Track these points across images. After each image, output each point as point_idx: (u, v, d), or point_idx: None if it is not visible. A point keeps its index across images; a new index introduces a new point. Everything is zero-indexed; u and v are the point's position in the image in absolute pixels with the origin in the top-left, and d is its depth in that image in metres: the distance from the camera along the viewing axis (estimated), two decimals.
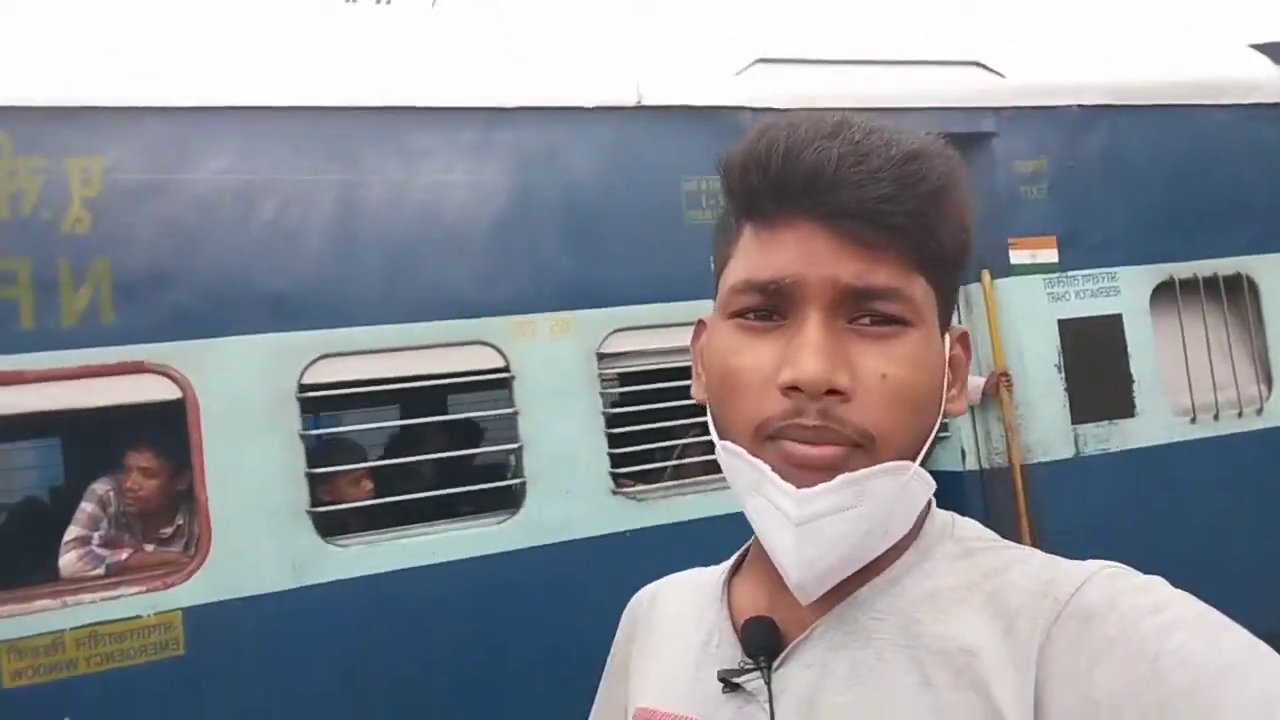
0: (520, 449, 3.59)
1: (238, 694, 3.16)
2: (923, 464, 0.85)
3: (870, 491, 0.80)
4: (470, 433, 4.57)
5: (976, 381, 4.29)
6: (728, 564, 1.05)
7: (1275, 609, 3.56)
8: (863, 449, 0.80)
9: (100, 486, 3.58)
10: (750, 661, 0.89)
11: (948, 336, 0.89)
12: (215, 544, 3.18)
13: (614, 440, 3.71)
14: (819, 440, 0.79)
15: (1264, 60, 5.14)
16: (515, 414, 3.60)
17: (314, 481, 3.38)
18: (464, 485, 3.71)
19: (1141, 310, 4.51)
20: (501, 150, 3.73)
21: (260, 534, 3.24)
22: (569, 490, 3.60)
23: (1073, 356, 4.35)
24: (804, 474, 0.80)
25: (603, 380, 3.75)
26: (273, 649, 3.21)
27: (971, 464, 4.41)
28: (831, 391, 0.78)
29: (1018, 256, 4.38)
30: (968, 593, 0.83)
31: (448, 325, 3.56)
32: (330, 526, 3.39)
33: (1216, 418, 4.57)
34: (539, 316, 3.67)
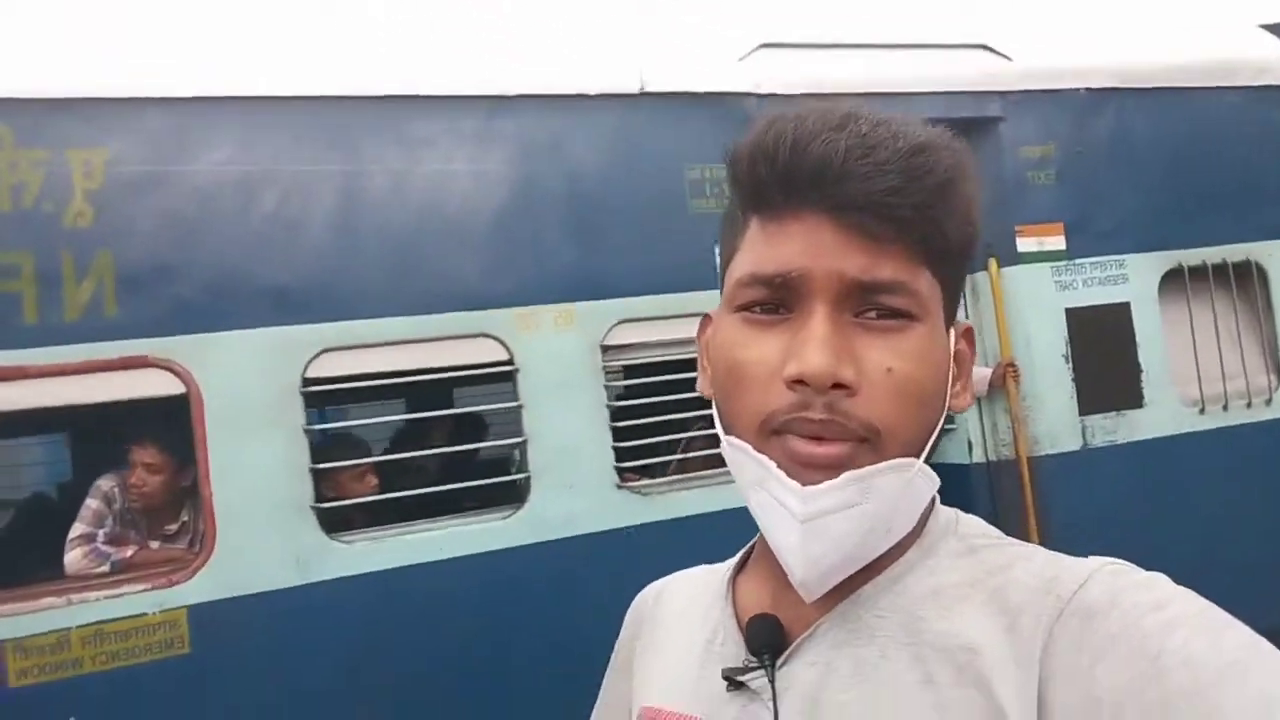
0: (524, 443, 3.57)
1: (243, 692, 3.16)
2: (927, 459, 0.85)
3: (875, 489, 0.80)
4: (474, 427, 4.55)
5: (983, 372, 4.26)
6: (733, 561, 1.05)
7: None
8: (868, 443, 0.80)
9: (105, 483, 3.57)
10: (754, 659, 0.89)
11: (952, 331, 0.89)
12: (220, 540, 3.18)
13: (618, 434, 3.69)
14: (825, 434, 0.79)
15: (1274, 40, 5.08)
16: (519, 408, 3.58)
17: (318, 477, 3.37)
18: (468, 480, 3.70)
19: (1150, 298, 4.46)
20: (503, 139, 3.70)
21: (265, 530, 3.23)
22: (573, 485, 3.58)
23: (1080, 346, 4.31)
24: (809, 471, 0.80)
25: (607, 373, 3.73)
26: (278, 646, 3.21)
27: (978, 456, 4.39)
28: (837, 385, 0.79)
29: (1025, 244, 4.34)
30: (971, 590, 0.83)
31: (451, 318, 3.54)
32: (335, 522, 3.39)
33: (1225, 408, 4.53)
34: (543, 308, 3.64)
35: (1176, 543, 4.11)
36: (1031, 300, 4.33)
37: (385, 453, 4.14)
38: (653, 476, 3.81)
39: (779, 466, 0.81)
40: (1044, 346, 4.30)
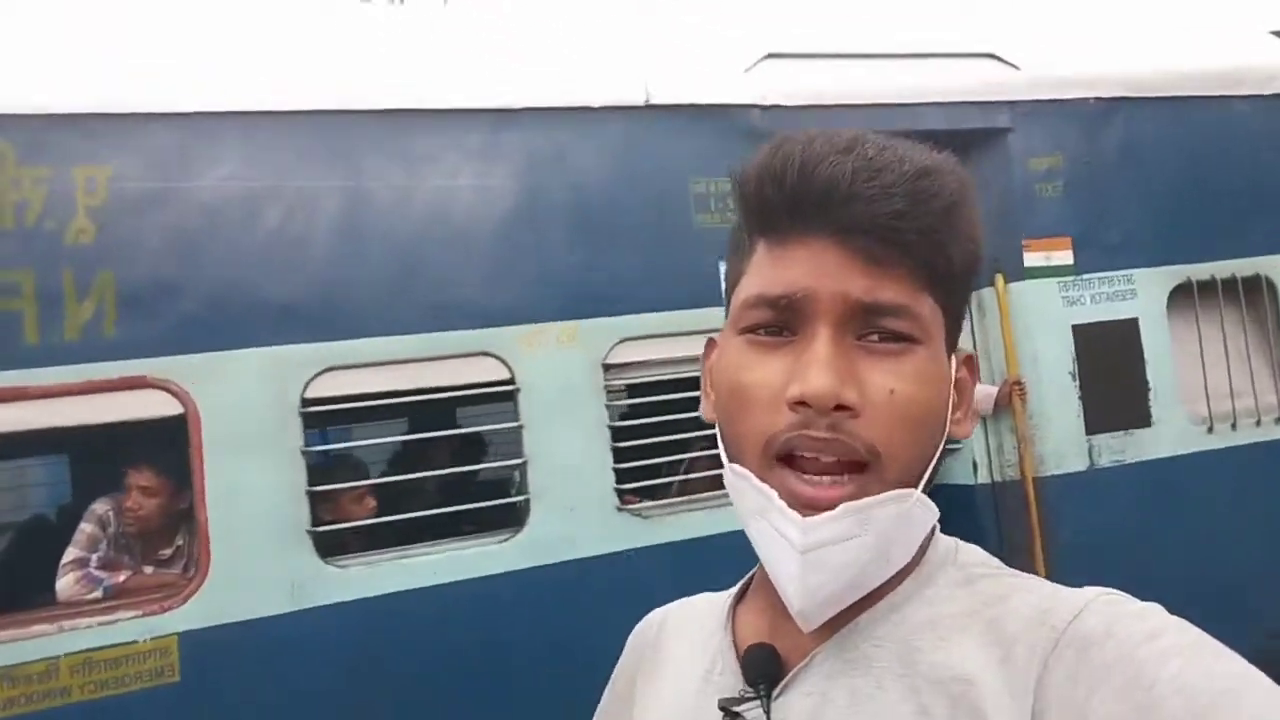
0: (525, 464, 3.53)
1: None
2: (928, 485, 0.86)
3: (874, 520, 0.80)
4: (474, 448, 4.50)
5: (989, 391, 4.22)
6: (734, 590, 1.05)
7: None
8: (869, 465, 0.81)
9: (100, 506, 3.54)
10: (750, 690, 0.90)
11: (954, 359, 0.90)
12: (214, 566, 3.14)
13: (619, 455, 3.64)
14: (828, 452, 0.80)
15: None
16: (520, 428, 3.54)
17: (315, 500, 3.32)
18: (467, 502, 3.65)
19: (1158, 314, 4.41)
20: (506, 153, 3.65)
21: (259, 555, 3.19)
22: (573, 507, 3.54)
23: (1087, 364, 4.26)
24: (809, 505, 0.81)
25: (609, 392, 3.68)
26: (270, 675, 3.16)
27: (984, 477, 4.35)
28: (840, 407, 0.80)
29: (1032, 259, 4.29)
30: (968, 620, 0.83)
31: (452, 336, 3.50)
32: (330, 546, 3.35)
33: (1234, 427, 4.47)
34: (545, 326, 3.60)
35: (1185, 565, 4.08)
36: (1038, 316, 4.27)
37: (383, 474, 4.11)
38: (654, 498, 3.76)
39: (780, 496, 0.81)
40: (1050, 364, 4.25)
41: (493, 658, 3.38)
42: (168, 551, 3.55)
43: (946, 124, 4.24)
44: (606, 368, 3.66)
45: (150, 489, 3.48)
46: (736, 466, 0.86)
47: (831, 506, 0.80)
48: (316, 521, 3.31)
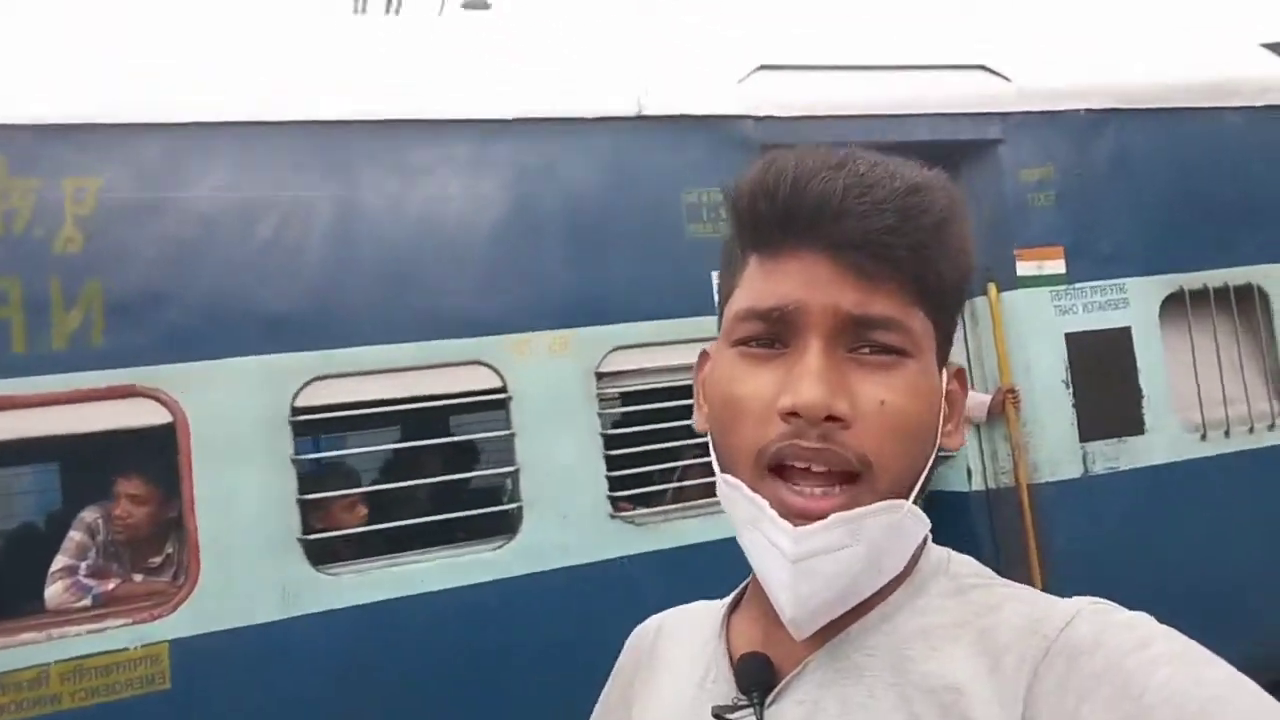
0: (517, 472, 3.52)
1: None
2: (919, 495, 0.86)
3: (865, 530, 0.81)
4: (465, 456, 4.48)
5: (982, 399, 4.22)
6: (729, 598, 1.06)
7: None
8: (860, 476, 0.81)
9: (89, 514, 3.52)
10: (744, 698, 0.90)
11: (945, 372, 0.91)
12: (204, 573, 3.12)
13: (612, 462, 3.63)
14: (819, 461, 0.81)
15: (1276, 60, 5.05)
16: (512, 435, 3.53)
17: (305, 508, 3.31)
18: (460, 510, 3.63)
19: (1151, 323, 4.42)
20: (499, 163, 3.65)
21: (250, 563, 3.18)
22: (566, 514, 3.53)
23: (1080, 371, 4.26)
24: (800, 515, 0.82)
25: (601, 400, 3.68)
26: (261, 683, 3.14)
27: (978, 484, 4.35)
28: (831, 418, 0.80)
29: (1024, 268, 4.29)
30: (959, 630, 0.84)
31: (443, 345, 3.49)
32: (321, 554, 3.33)
33: (1228, 434, 4.47)
34: (536, 335, 3.59)
35: (1179, 571, 4.08)
36: (1031, 325, 4.28)
37: (375, 482, 4.08)
38: (647, 505, 3.75)
39: (771, 506, 0.82)
40: (1044, 372, 4.25)
41: (485, 665, 3.36)
42: (157, 559, 3.53)
43: (938, 135, 4.26)
44: (599, 376, 3.65)
45: (139, 497, 3.47)
46: (729, 477, 0.87)
47: (823, 516, 0.80)
48: (308, 529, 3.29)
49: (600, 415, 3.65)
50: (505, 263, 3.60)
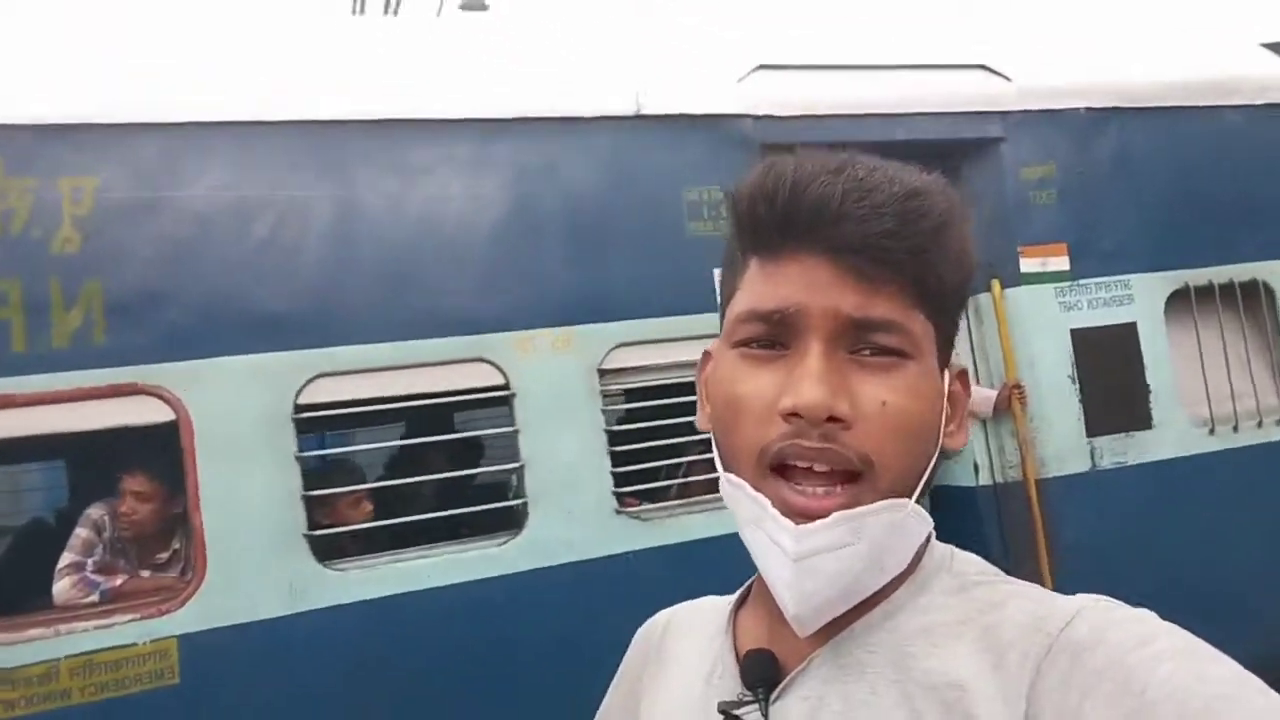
0: (521, 468, 3.52)
1: None
2: (922, 495, 0.87)
3: (867, 529, 0.82)
4: (470, 452, 4.49)
5: (988, 394, 4.21)
6: (736, 594, 1.06)
7: None
8: (861, 475, 0.82)
9: (95, 511, 3.53)
10: (749, 694, 0.91)
11: (947, 373, 0.91)
12: (210, 569, 3.12)
13: (617, 459, 3.63)
14: (820, 461, 0.81)
15: (1276, 59, 5.06)
16: (516, 432, 3.54)
17: (311, 504, 3.31)
18: (464, 506, 3.63)
19: (1156, 318, 4.42)
20: (499, 162, 3.67)
21: (256, 559, 3.18)
22: (571, 510, 3.52)
23: (1087, 367, 4.26)
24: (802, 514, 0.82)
25: (605, 397, 3.68)
26: (269, 677, 3.14)
27: (985, 479, 4.33)
28: (832, 419, 0.81)
29: (1028, 265, 4.30)
30: (962, 627, 0.84)
31: (446, 342, 3.50)
32: (327, 550, 3.33)
33: (1236, 429, 4.46)
34: (539, 332, 3.60)
35: (1187, 565, 4.05)
36: (1036, 321, 4.28)
37: (380, 479, 4.09)
38: (653, 501, 3.74)
39: (774, 505, 0.83)
40: (1049, 368, 4.25)
41: (492, 660, 3.35)
42: (164, 555, 3.53)
43: (938, 134, 4.27)
44: (602, 373, 3.66)
45: (144, 494, 3.47)
46: (731, 476, 0.88)
47: (825, 515, 0.81)
48: (313, 525, 3.30)
49: (604, 412, 3.65)
50: (507, 261, 3.61)
